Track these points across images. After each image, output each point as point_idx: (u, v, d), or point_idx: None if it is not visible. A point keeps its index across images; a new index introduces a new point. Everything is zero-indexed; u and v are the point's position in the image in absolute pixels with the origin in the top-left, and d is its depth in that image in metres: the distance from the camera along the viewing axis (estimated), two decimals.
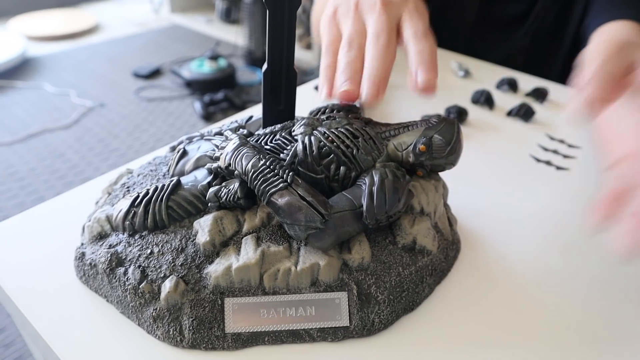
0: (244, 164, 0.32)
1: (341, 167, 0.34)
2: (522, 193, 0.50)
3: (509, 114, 0.67)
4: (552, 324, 0.35)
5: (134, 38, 2.87)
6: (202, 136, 0.43)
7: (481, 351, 0.32)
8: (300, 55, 2.74)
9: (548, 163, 0.56)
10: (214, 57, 2.22)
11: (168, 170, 0.40)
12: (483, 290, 0.37)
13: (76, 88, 2.19)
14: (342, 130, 0.35)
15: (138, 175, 0.40)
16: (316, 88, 0.69)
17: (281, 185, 0.31)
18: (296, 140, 0.36)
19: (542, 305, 0.36)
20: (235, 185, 0.33)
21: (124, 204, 0.35)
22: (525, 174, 0.54)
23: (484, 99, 0.68)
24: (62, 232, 0.41)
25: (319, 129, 0.36)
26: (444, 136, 0.35)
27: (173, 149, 0.44)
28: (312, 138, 0.35)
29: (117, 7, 3.39)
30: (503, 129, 0.63)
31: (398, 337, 0.33)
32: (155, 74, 2.38)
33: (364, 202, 0.32)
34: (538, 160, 0.57)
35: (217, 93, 2.10)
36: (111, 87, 2.23)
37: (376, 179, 0.33)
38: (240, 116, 0.59)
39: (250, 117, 0.44)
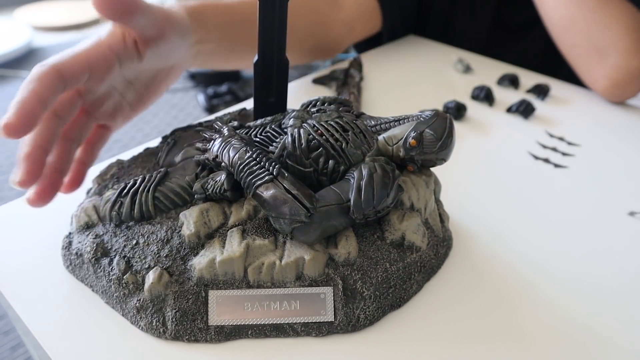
0: (230, 155, 0.32)
1: (330, 161, 0.33)
2: (518, 191, 0.50)
3: (509, 110, 0.66)
4: (543, 325, 0.34)
5: None
6: (193, 127, 0.42)
7: (468, 349, 0.32)
8: None
9: (546, 160, 0.55)
10: None
11: (158, 161, 0.39)
12: (473, 289, 0.37)
13: None
14: (331, 123, 0.35)
15: (128, 166, 0.40)
16: (314, 81, 0.69)
17: (267, 177, 0.30)
18: (286, 133, 0.35)
19: (533, 305, 0.36)
20: (222, 177, 0.33)
21: (111, 194, 0.35)
22: (522, 171, 0.53)
23: (484, 95, 0.67)
24: (52, 222, 0.40)
25: (309, 121, 0.35)
26: (436, 131, 0.34)
27: (164, 139, 0.44)
28: (302, 131, 0.34)
29: None
30: (502, 125, 0.63)
31: (384, 334, 0.32)
32: None
33: (352, 197, 0.31)
34: (536, 158, 0.56)
35: (221, 86, 2.09)
36: None
37: (365, 173, 0.32)
38: (239, 107, 0.59)
39: (243, 109, 0.43)
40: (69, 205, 0.41)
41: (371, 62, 0.77)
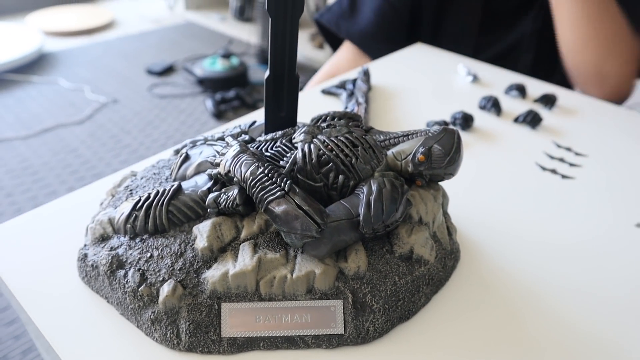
0: (242, 171, 0.33)
1: (340, 176, 0.34)
2: (525, 202, 0.50)
3: (516, 120, 0.66)
4: (551, 336, 0.35)
5: (149, 35, 2.89)
6: (205, 140, 0.43)
7: None
8: (313, 54, 2.74)
9: (554, 172, 0.56)
10: (227, 56, 2.22)
11: (170, 174, 0.40)
12: (480, 301, 0.37)
13: (90, 84, 2.21)
14: (341, 138, 0.35)
15: (141, 178, 0.41)
16: (323, 92, 0.69)
17: (278, 193, 0.31)
18: (296, 148, 0.36)
19: (540, 316, 0.36)
20: (234, 192, 0.33)
21: (126, 207, 0.36)
22: (529, 182, 0.54)
23: (491, 105, 0.68)
24: (67, 232, 0.41)
25: (319, 137, 0.36)
26: (444, 146, 0.35)
27: (177, 152, 0.45)
28: (312, 146, 0.35)
29: (133, 3, 3.42)
30: (509, 136, 0.63)
31: (393, 346, 0.33)
32: (168, 71, 2.40)
33: (361, 212, 0.32)
34: (543, 169, 0.56)
35: (229, 91, 2.11)
36: (125, 83, 2.25)
37: (374, 188, 0.33)
38: (249, 117, 0.60)
39: (254, 122, 0.44)
40: (83, 216, 0.42)
41: (378, 72, 0.77)
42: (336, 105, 0.66)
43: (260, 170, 0.32)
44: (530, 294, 0.38)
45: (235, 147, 0.35)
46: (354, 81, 0.69)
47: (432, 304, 0.36)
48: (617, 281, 0.40)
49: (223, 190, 0.34)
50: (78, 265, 0.37)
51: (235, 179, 0.33)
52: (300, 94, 0.69)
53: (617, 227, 0.47)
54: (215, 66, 2.20)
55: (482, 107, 0.69)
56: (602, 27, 0.72)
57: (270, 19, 0.36)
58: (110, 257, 0.34)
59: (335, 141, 0.35)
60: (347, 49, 0.94)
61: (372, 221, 0.32)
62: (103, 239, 0.36)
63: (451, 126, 0.63)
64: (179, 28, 3.04)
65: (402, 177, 0.36)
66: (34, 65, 2.35)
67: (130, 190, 0.40)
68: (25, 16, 2.88)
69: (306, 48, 2.81)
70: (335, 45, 0.99)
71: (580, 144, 0.62)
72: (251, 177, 0.32)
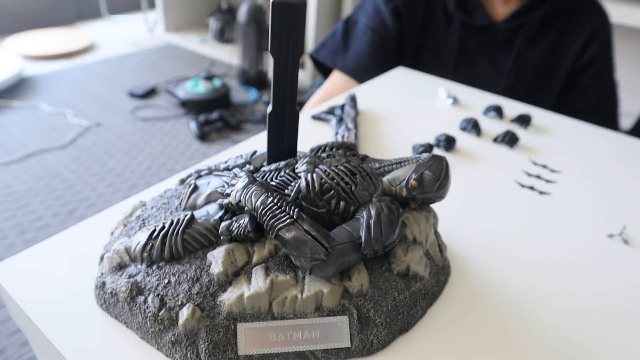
0: (253, 200, 0.36)
1: (341, 202, 0.37)
2: (507, 218, 0.54)
3: (495, 140, 0.71)
4: (535, 342, 0.38)
5: (129, 57, 2.91)
6: (210, 170, 0.46)
7: None
8: None
9: (532, 188, 0.60)
10: (209, 78, 2.26)
11: (180, 204, 0.43)
12: (471, 311, 0.41)
13: (72, 107, 2.21)
14: (341, 167, 0.39)
15: (152, 208, 0.43)
16: (313, 117, 0.73)
17: (288, 220, 0.34)
18: (299, 177, 0.39)
19: (525, 323, 0.40)
20: (245, 219, 0.36)
21: (141, 237, 0.38)
22: (510, 199, 0.58)
23: (472, 126, 0.72)
24: (81, 261, 0.43)
25: (320, 166, 0.39)
26: (434, 172, 0.39)
27: (182, 181, 0.48)
28: (314, 175, 0.38)
29: (112, 26, 3.43)
30: (489, 155, 0.67)
31: (395, 356, 0.36)
32: (150, 93, 2.41)
33: (363, 235, 0.35)
34: (522, 186, 0.61)
35: (212, 113, 2.13)
36: (107, 107, 2.26)
37: (373, 212, 0.36)
38: (243, 147, 0.63)
39: (255, 152, 0.47)
40: (93, 245, 0.45)
41: (364, 97, 0.81)
42: (326, 130, 0.70)
43: (270, 199, 0.35)
44: (515, 303, 0.42)
45: (244, 178, 0.38)
46: (342, 107, 0.73)
47: (428, 316, 0.39)
48: (593, 287, 0.45)
49: (234, 218, 0.37)
50: (96, 293, 0.39)
51: (246, 208, 0.36)
52: (307, 117, 0.73)
53: (590, 238, 0.52)
54: (197, 88, 2.23)
55: (463, 129, 0.73)
56: None
57: (273, 60, 0.39)
58: (129, 284, 0.36)
59: (336, 170, 0.38)
60: (338, 75, 0.98)
61: (373, 243, 0.35)
62: (120, 267, 0.38)
63: (436, 148, 0.67)
64: (159, 50, 3.06)
65: (397, 201, 0.39)
66: (14, 89, 2.34)
67: (143, 220, 0.42)
68: (3, 40, 2.87)
69: None
70: (325, 71, 1.04)
71: (555, 161, 0.67)
72: (262, 206, 0.35)
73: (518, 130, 0.75)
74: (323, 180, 0.38)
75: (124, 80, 2.56)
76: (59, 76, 2.56)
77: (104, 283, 0.38)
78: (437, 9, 0.95)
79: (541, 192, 0.60)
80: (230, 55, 2.82)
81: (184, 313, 0.34)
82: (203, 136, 2.04)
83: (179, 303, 0.35)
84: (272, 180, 0.40)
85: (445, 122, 0.76)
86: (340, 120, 0.69)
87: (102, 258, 0.41)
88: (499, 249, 0.49)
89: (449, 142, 0.67)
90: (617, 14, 1.56)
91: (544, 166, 0.65)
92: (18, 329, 1.12)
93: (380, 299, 0.36)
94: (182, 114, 2.22)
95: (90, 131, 2.04)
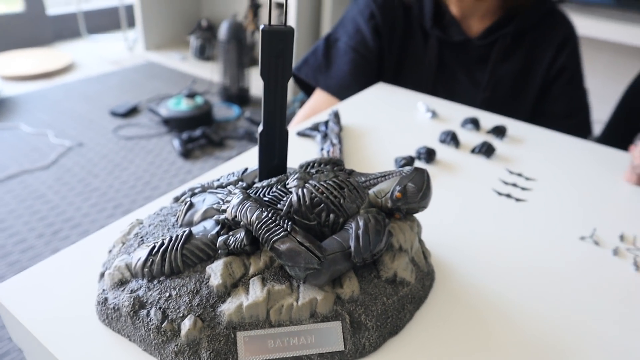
0: (249, 215, 0.38)
1: (331, 215, 0.40)
2: (486, 225, 0.57)
3: (473, 151, 0.74)
4: (515, 339, 0.41)
5: (110, 76, 2.91)
6: (203, 188, 0.48)
7: None
8: None
9: (508, 196, 0.64)
10: (191, 95, 2.27)
11: (177, 221, 0.45)
12: (456, 314, 0.43)
13: (53, 128, 2.20)
14: (330, 182, 0.41)
15: (149, 226, 0.45)
16: (298, 134, 0.76)
17: (282, 233, 0.36)
18: (291, 192, 0.41)
19: (505, 322, 0.43)
20: (241, 234, 0.39)
21: (142, 253, 0.40)
22: (489, 207, 0.61)
23: (450, 139, 0.76)
24: (80, 279, 0.45)
25: (310, 182, 0.41)
26: (416, 184, 0.41)
27: (177, 199, 0.49)
28: (305, 190, 0.40)
29: (91, 45, 3.43)
30: (468, 166, 0.71)
31: (386, 358, 0.38)
32: (132, 112, 2.42)
33: (352, 244, 0.38)
34: (500, 194, 0.64)
35: (195, 130, 2.15)
36: (89, 126, 2.26)
37: (361, 223, 0.39)
38: (232, 164, 0.65)
39: (246, 169, 0.49)
40: (92, 263, 0.46)
41: (346, 113, 0.84)
42: (312, 146, 0.72)
43: (264, 214, 0.38)
44: (495, 305, 0.45)
45: (238, 195, 0.40)
46: (326, 123, 0.75)
47: (416, 319, 0.42)
48: (567, 288, 0.48)
49: (231, 233, 0.39)
50: (98, 309, 0.40)
51: (242, 222, 0.39)
52: (290, 132, 0.75)
53: (564, 241, 0.55)
54: (180, 106, 2.24)
55: (443, 141, 0.77)
56: None
57: (263, 82, 0.42)
58: (132, 299, 0.38)
59: (325, 185, 0.41)
60: (321, 93, 1.01)
61: (362, 251, 0.38)
62: (122, 283, 0.40)
63: (417, 161, 0.70)
64: (140, 68, 3.07)
65: (383, 212, 0.42)
66: None
67: (141, 237, 0.44)
68: None
69: None
70: (306, 88, 1.06)
71: (529, 170, 0.70)
72: (257, 221, 0.37)
73: (494, 141, 0.78)
74: (313, 194, 0.40)
75: (105, 99, 2.56)
76: (38, 96, 2.54)
77: (106, 299, 0.40)
78: (415, 26, 0.99)
79: (517, 200, 0.63)
80: (211, 73, 2.84)
81: (186, 324, 0.36)
82: (186, 153, 2.05)
83: (181, 315, 0.37)
84: (264, 196, 0.42)
85: (425, 135, 0.79)
86: (325, 136, 0.72)
87: (102, 275, 0.42)
88: (479, 254, 0.52)
89: (429, 154, 0.70)
90: (583, 27, 1.63)
91: (519, 174, 0.69)
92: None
93: (371, 304, 0.38)
94: (165, 132, 2.23)
95: (73, 151, 2.04)
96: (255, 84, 2.79)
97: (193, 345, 0.36)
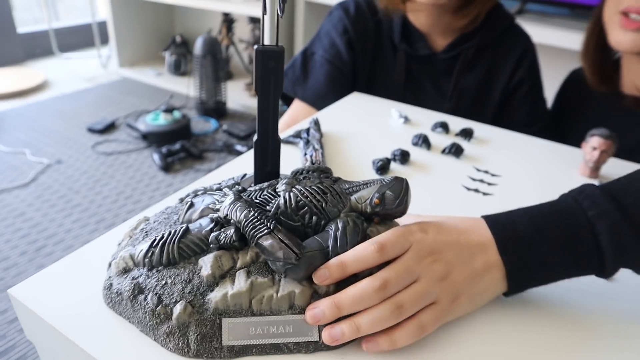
0: (238, 214, 0.41)
1: (314, 217, 0.43)
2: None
3: (443, 152, 0.79)
4: (484, 318, 0.46)
5: (84, 93, 2.90)
6: (205, 190, 0.52)
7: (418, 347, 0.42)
8: (250, 102, 2.86)
9: (476, 191, 0.69)
10: (169, 110, 2.30)
11: (178, 219, 0.48)
12: None
13: (30, 146, 2.19)
14: (314, 187, 0.44)
15: (154, 222, 0.48)
16: (282, 141, 0.80)
17: (265, 230, 0.40)
18: (279, 195, 0.44)
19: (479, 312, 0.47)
20: (231, 231, 0.42)
21: (144, 245, 0.43)
22: (459, 201, 0.66)
23: (422, 141, 0.81)
24: (91, 273, 0.47)
25: (297, 187, 0.44)
26: (394, 192, 0.44)
27: (181, 200, 0.52)
28: (291, 194, 0.43)
29: (64, 63, 3.40)
30: (439, 165, 0.76)
31: (356, 347, 0.41)
32: (110, 128, 2.42)
33: (330, 243, 0.41)
34: (468, 189, 0.69)
35: (175, 144, 2.17)
36: (66, 144, 2.25)
37: (340, 225, 0.42)
38: (240, 174, 0.69)
39: (245, 175, 0.53)
40: (103, 256, 0.49)
41: (326, 120, 0.89)
42: (295, 152, 0.77)
43: (251, 213, 0.41)
44: None
45: (231, 196, 0.44)
46: (308, 130, 0.80)
47: None
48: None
49: (222, 229, 0.43)
50: (104, 294, 0.43)
51: (232, 220, 0.42)
52: None
53: None
54: (158, 120, 2.26)
55: (415, 144, 0.82)
56: None
57: (257, 96, 0.45)
58: (132, 285, 0.41)
59: (310, 190, 0.44)
60: (300, 104, 1.06)
61: (338, 250, 0.41)
62: (125, 271, 0.43)
63: (392, 162, 0.76)
64: (115, 85, 3.07)
65: (363, 216, 0.45)
66: None
67: (146, 232, 0.47)
68: None
69: (243, 97, 2.93)
70: (286, 99, 1.12)
71: (495, 167, 0.76)
72: (244, 219, 0.41)
73: (462, 142, 0.84)
74: (298, 198, 0.43)
75: (81, 116, 2.56)
76: (13, 115, 2.52)
77: (111, 284, 0.43)
78: (385, 40, 1.05)
79: (484, 194, 0.69)
80: (187, 87, 2.87)
81: (177, 309, 0.39)
82: (167, 167, 2.06)
83: (174, 300, 0.40)
84: (256, 198, 0.45)
85: (399, 139, 0.84)
86: (307, 143, 0.77)
87: (109, 265, 0.46)
88: None
89: (403, 156, 0.75)
90: (542, 35, 1.73)
91: (486, 171, 0.75)
92: None
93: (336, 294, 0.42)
94: (144, 146, 2.24)
95: (52, 168, 2.03)
96: (232, 97, 2.83)
97: (182, 327, 0.39)
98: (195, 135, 2.39)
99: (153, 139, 2.23)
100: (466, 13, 0.96)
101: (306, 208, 0.43)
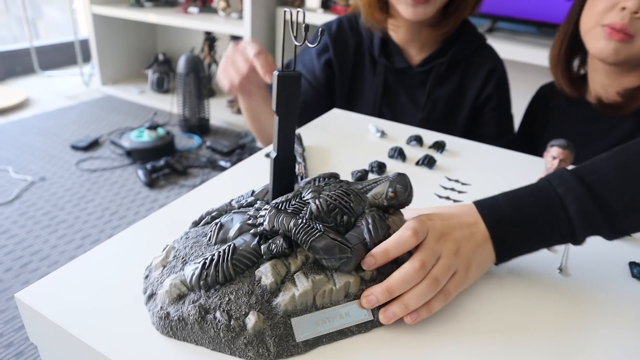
0: (286, 224, 0.44)
1: (344, 216, 0.46)
2: None
3: (417, 163, 0.84)
4: (469, 307, 0.51)
5: (67, 111, 2.87)
6: (220, 212, 0.53)
7: (452, 323, 0.48)
8: (233, 119, 2.90)
9: (447, 198, 0.74)
10: (153, 127, 2.32)
11: (210, 240, 0.49)
12: None
13: (13, 164, 2.14)
14: (339, 191, 0.48)
15: (185, 248, 0.48)
16: (266, 156, 0.84)
17: (318, 233, 0.43)
18: (308, 203, 0.47)
19: (473, 290, 0.52)
20: (280, 240, 0.44)
21: (193, 268, 0.44)
22: (432, 207, 0.71)
23: (397, 154, 0.86)
24: (96, 282, 0.48)
25: (324, 192, 0.48)
26: (402, 185, 0.50)
27: (196, 224, 0.54)
28: (321, 199, 0.47)
29: (46, 81, 3.35)
30: (413, 176, 0.78)
31: (401, 321, 0.46)
32: (93, 145, 2.42)
33: (367, 236, 0.45)
34: (440, 197, 0.74)
35: (159, 160, 2.18)
36: (50, 161, 2.22)
37: (369, 220, 0.46)
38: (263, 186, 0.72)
39: (253, 191, 0.55)
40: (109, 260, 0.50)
41: (307, 135, 0.91)
42: None
43: (300, 221, 0.44)
44: None
45: (271, 210, 0.46)
46: None
47: None
48: (499, 266, 0.57)
49: (270, 240, 0.45)
50: (161, 324, 0.43)
51: (280, 230, 0.44)
52: (250, 158, 0.84)
53: None
54: (142, 137, 2.28)
55: (391, 156, 0.84)
56: None
57: (277, 117, 0.48)
58: (197, 307, 0.42)
59: (336, 193, 0.48)
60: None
61: (375, 240, 0.46)
62: (180, 297, 0.43)
63: (370, 173, 0.81)
64: (98, 102, 3.05)
65: (381, 209, 0.50)
66: None
67: (182, 257, 0.47)
68: None
69: (225, 114, 2.97)
70: None
71: (465, 176, 0.81)
72: (294, 227, 0.43)
73: (435, 154, 0.89)
74: (328, 202, 0.46)
75: (64, 133, 2.52)
76: None
77: (167, 314, 0.43)
78: (365, 55, 1.10)
79: (455, 201, 0.73)
80: (171, 105, 2.89)
81: (251, 319, 0.40)
82: (151, 183, 2.07)
83: (243, 313, 0.41)
84: (287, 208, 0.47)
85: (376, 152, 0.86)
86: None
87: (150, 297, 0.45)
88: None
89: (380, 168, 0.78)
90: (511, 52, 1.82)
91: (457, 181, 0.79)
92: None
93: (385, 280, 0.46)
94: (128, 163, 2.23)
95: (35, 186, 2.00)
96: (214, 114, 2.86)
97: (259, 335, 0.40)
98: (179, 151, 2.41)
99: (137, 155, 2.23)
100: (443, 25, 1.04)
101: (337, 210, 0.47)
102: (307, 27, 0.44)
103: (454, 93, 1.11)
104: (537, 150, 0.99)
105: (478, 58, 1.12)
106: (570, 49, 1.04)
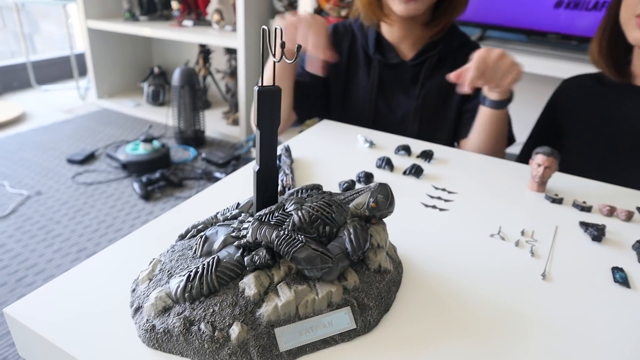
0: (268, 236, 0.45)
1: (327, 227, 0.47)
2: (421, 229, 0.66)
3: (405, 173, 0.85)
4: (464, 308, 0.52)
5: (63, 124, 2.88)
6: (205, 224, 0.54)
7: (434, 326, 0.49)
8: (228, 130, 2.91)
9: (434, 207, 0.75)
10: (148, 140, 2.33)
11: (195, 252, 0.49)
12: (423, 291, 0.53)
13: (9, 178, 2.14)
14: (321, 202, 0.49)
15: (170, 261, 0.49)
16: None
17: (299, 244, 0.44)
18: (291, 215, 0.48)
19: (455, 295, 0.53)
20: (263, 252, 0.45)
21: (178, 281, 0.44)
22: (418, 217, 0.69)
23: (385, 164, 0.86)
24: (87, 294, 0.48)
25: (306, 204, 0.49)
26: (384, 194, 0.51)
27: (182, 237, 0.54)
28: (303, 211, 0.47)
29: (42, 95, 3.37)
30: (401, 185, 0.81)
31: (384, 330, 0.47)
32: (89, 158, 2.43)
33: (349, 246, 0.46)
34: (427, 206, 0.76)
35: (155, 173, 2.19)
36: (46, 175, 2.22)
37: (351, 230, 0.47)
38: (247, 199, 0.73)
39: (238, 204, 0.56)
40: (104, 271, 0.50)
41: (296, 147, 0.92)
42: None
43: (282, 232, 0.45)
44: (446, 281, 0.55)
45: (254, 222, 0.47)
46: (279, 157, 0.86)
47: (398, 298, 0.51)
48: (481, 271, 0.58)
49: (254, 252, 0.45)
50: (147, 337, 0.43)
51: (263, 242, 0.45)
52: (242, 169, 0.85)
53: (478, 238, 0.64)
54: (138, 150, 2.28)
55: (379, 166, 0.85)
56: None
57: (259, 131, 0.48)
58: (182, 319, 0.42)
59: (318, 205, 0.48)
60: None
61: (356, 250, 0.46)
62: (165, 310, 0.43)
63: (357, 184, 0.82)
64: (94, 116, 3.07)
65: (363, 219, 0.50)
66: None
67: (168, 271, 0.48)
68: None
69: (220, 125, 2.98)
70: None
71: (451, 185, 0.82)
72: (277, 238, 0.44)
73: (423, 163, 0.90)
74: (311, 213, 0.47)
75: (60, 147, 2.53)
76: None
77: (153, 326, 0.43)
78: (359, 55, 1.17)
79: (441, 209, 0.75)
80: (166, 117, 2.90)
81: (235, 330, 0.41)
82: (147, 195, 2.08)
83: (227, 324, 0.42)
84: (270, 220, 0.48)
85: (364, 162, 0.87)
86: (279, 168, 0.83)
87: (137, 310, 0.46)
88: (422, 249, 0.61)
89: (367, 178, 0.79)
90: None
91: (443, 189, 0.80)
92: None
93: (368, 290, 0.47)
94: (124, 176, 2.24)
95: (31, 200, 2.00)
96: (210, 125, 2.88)
97: (243, 345, 0.41)
98: (174, 163, 2.41)
99: (133, 168, 2.24)
100: (434, 25, 1.12)
101: (319, 221, 0.47)
102: (283, 44, 0.45)
103: (444, 83, 1.16)
104: (558, 135, 1.10)
105: (464, 51, 1.19)
106: (615, 40, 1.09)
